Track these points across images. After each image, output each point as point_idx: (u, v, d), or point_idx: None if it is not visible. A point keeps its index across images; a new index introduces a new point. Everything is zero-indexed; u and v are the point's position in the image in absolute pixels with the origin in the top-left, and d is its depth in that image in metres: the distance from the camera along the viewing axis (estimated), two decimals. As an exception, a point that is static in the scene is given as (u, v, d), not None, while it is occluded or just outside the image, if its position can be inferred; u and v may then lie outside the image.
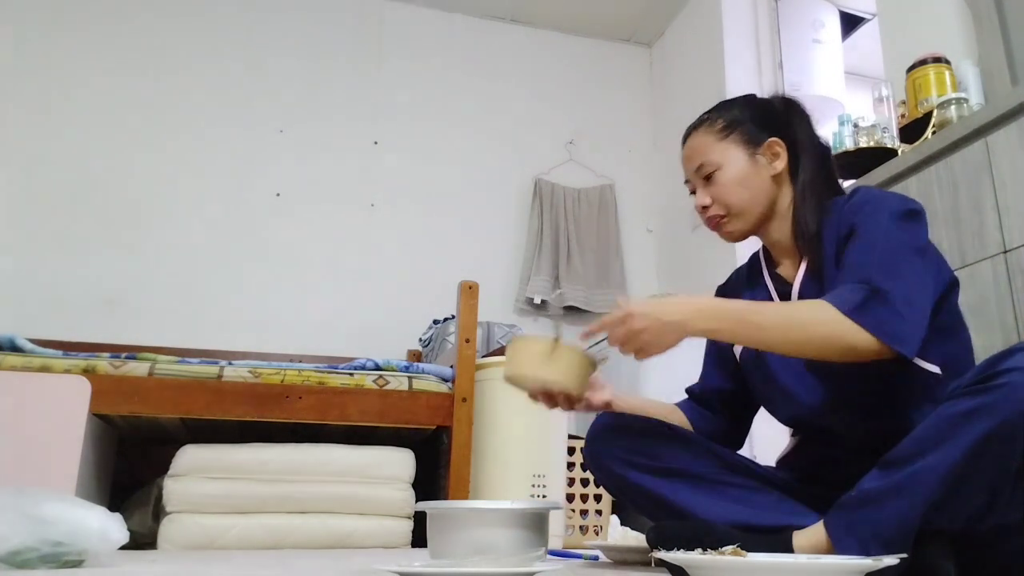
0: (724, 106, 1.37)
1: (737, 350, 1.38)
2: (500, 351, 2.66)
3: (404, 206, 3.54)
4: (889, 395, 1.16)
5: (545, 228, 3.60)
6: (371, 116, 3.60)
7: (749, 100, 1.38)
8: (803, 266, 1.28)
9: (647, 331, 1.11)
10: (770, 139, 1.31)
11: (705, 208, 1.32)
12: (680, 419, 1.41)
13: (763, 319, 1.10)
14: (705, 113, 1.38)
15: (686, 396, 1.48)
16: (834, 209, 1.27)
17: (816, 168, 1.31)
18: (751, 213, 1.30)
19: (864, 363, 1.09)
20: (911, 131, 2.11)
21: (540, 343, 1.23)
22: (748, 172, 1.29)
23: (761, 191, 1.30)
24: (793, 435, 1.38)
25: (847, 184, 2.18)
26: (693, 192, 1.36)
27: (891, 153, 2.13)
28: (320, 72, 3.58)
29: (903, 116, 2.22)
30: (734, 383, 1.41)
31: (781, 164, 1.31)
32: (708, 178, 1.31)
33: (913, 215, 1.17)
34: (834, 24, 3.46)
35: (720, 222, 1.32)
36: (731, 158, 1.30)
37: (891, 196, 1.21)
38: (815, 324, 1.07)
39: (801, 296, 1.26)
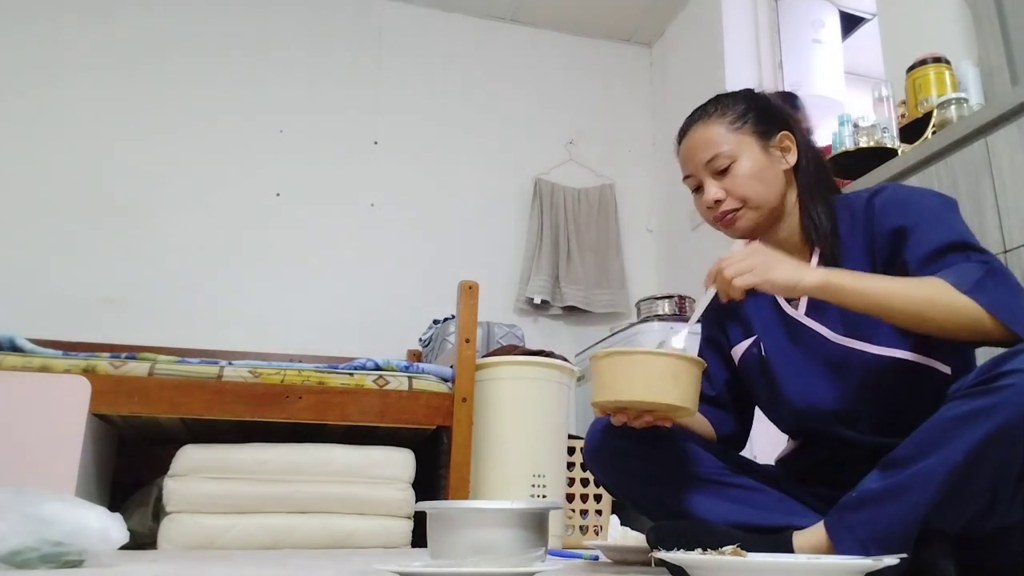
0: (728, 99, 1.31)
1: (737, 353, 1.35)
2: (500, 351, 2.66)
3: (404, 206, 3.54)
4: (903, 402, 1.14)
5: (545, 228, 3.60)
6: (371, 116, 3.60)
7: (751, 94, 1.33)
8: (814, 263, 1.24)
9: (765, 254, 1.09)
10: (781, 132, 1.27)
11: (718, 203, 1.25)
12: (704, 425, 1.35)
13: (885, 284, 1.06)
14: (708, 105, 1.30)
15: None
16: (845, 206, 1.25)
17: (819, 165, 1.30)
18: (765, 207, 1.25)
19: (880, 373, 1.11)
20: (911, 131, 2.11)
21: (663, 362, 1.07)
22: (764, 165, 1.25)
23: (775, 185, 1.25)
24: (794, 438, 1.37)
25: (847, 184, 2.18)
26: (696, 189, 1.29)
27: (891, 153, 2.13)
28: (320, 72, 3.58)
29: (903, 116, 2.22)
30: (735, 372, 1.38)
31: (793, 158, 1.27)
32: (723, 171, 1.24)
33: (956, 207, 1.18)
34: (834, 24, 3.46)
35: (732, 217, 1.25)
36: (746, 150, 1.24)
37: (928, 191, 1.21)
38: (937, 303, 1.02)
39: (813, 298, 1.23)
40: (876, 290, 1.05)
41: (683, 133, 1.32)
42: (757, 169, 1.24)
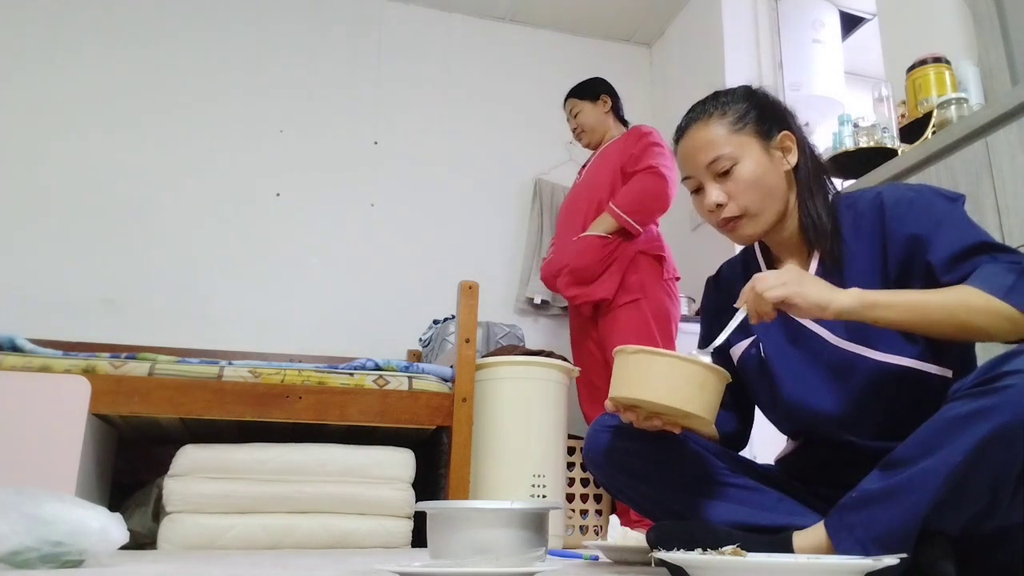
0: (727, 96, 1.26)
1: (736, 353, 1.34)
2: (500, 351, 2.66)
3: (404, 206, 3.54)
4: (905, 407, 1.14)
5: (545, 228, 3.60)
6: (371, 116, 3.60)
7: (750, 92, 1.29)
8: (814, 265, 1.23)
9: (798, 272, 1.09)
10: (782, 132, 1.24)
11: (719, 207, 1.22)
12: None
13: (920, 298, 1.05)
14: (708, 103, 1.26)
15: None
16: (848, 205, 1.24)
17: (817, 163, 1.29)
18: (769, 212, 1.22)
19: (882, 378, 1.12)
20: (911, 131, 2.11)
21: (691, 368, 1.06)
22: (767, 167, 1.22)
23: (778, 188, 1.23)
24: (794, 439, 1.37)
25: (847, 184, 2.18)
26: (695, 190, 1.27)
27: (891, 153, 2.13)
28: (320, 72, 3.58)
29: (903, 116, 2.22)
30: (736, 371, 1.36)
31: (794, 159, 1.24)
32: (724, 174, 1.21)
33: (964, 202, 1.17)
34: (834, 24, 3.46)
35: (735, 224, 1.23)
36: (748, 152, 1.21)
37: (932, 189, 1.19)
38: (975, 309, 1.02)
39: None
40: (914, 304, 1.05)
41: (681, 132, 1.29)
42: (760, 172, 1.21)
